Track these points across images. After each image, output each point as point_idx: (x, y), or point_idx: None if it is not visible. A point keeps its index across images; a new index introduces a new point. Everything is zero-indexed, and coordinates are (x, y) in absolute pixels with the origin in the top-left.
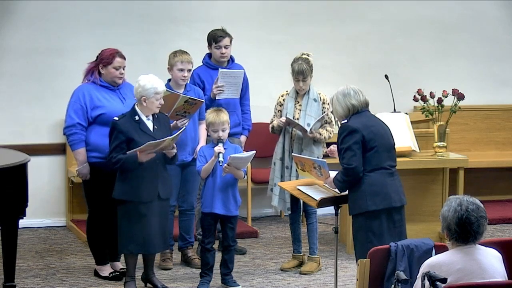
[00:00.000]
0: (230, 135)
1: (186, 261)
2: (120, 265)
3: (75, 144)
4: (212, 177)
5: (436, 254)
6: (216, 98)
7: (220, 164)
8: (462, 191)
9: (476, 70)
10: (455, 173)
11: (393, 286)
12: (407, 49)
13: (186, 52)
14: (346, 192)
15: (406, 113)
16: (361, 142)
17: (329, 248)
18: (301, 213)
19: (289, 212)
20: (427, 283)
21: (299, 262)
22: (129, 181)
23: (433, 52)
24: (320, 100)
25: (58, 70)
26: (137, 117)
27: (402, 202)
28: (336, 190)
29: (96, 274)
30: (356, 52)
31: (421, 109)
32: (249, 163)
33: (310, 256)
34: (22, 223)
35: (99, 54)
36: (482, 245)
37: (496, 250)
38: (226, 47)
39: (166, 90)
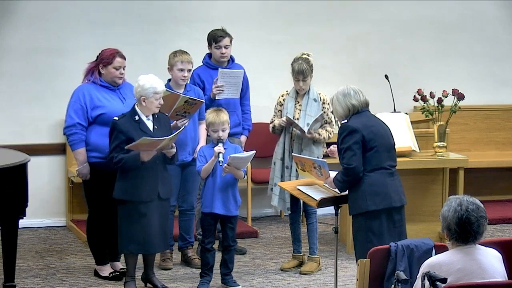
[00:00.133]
0: (230, 135)
1: (186, 261)
2: (120, 265)
3: (75, 144)
4: (212, 177)
5: (436, 254)
6: (216, 98)
7: (220, 164)
8: (462, 191)
9: (476, 70)
10: (455, 173)
11: (393, 286)
12: (407, 49)
13: (186, 52)
14: (346, 192)
15: (406, 113)
16: (361, 142)
17: (329, 248)
18: (301, 213)
19: (289, 212)
20: (427, 283)
21: (299, 262)
22: (129, 181)
23: (433, 52)
24: (320, 100)
25: (58, 70)
26: (137, 117)
27: (402, 202)
28: (336, 190)
29: (96, 274)
30: (356, 52)
31: (421, 109)
32: (249, 163)
33: (310, 256)
34: (22, 223)
35: (99, 54)
36: (482, 245)
37: (496, 250)
38: (226, 47)
39: (166, 90)
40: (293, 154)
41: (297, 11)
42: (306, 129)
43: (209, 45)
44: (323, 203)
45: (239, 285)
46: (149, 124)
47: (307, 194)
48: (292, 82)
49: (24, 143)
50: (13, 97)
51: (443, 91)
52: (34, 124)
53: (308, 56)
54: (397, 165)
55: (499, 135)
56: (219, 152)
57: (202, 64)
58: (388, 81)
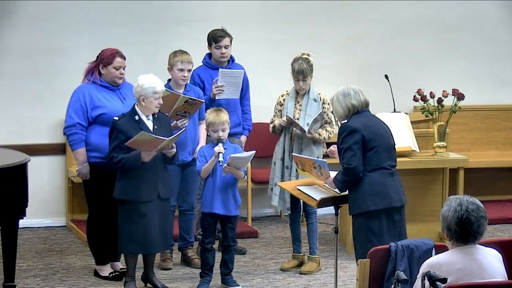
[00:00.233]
0: (230, 135)
1: (186, 261)
2: (120, 265)
3: (75, 144)
4: (212, 177)
5: (436, 254)
6: (216, 98)
7: (220, 164)
8: (462, 191)
9: (476, 70)
10: (455, 173)
11: (393, 286)
12: (407, 49)
13: (186, 52)
14: (346, 192)
15: (406, 113)
16: (361, 142)
17: (329, 248)
18: (301, 213)
19: (289, 212)
20: (427, 283)
21: (299, 262)
22: (130, 181)
23: (433, 52)
24: (320, 100)
25: (58, 70)
26: (137, 117)
27: (402, 202)
28: (336, 190)
29: (96, 274)
30: (356, 52)
31: (421, 109)
32: (249, 163)
33: (310, 256)
34: (22, 223)
35: (99, 54)
36: (482, 245)
37: (496, 250)
38: (226, 47)
39: (166, 90)
40: (293, 154)
41: (297, 11)
42: (306, 129)
43: (209, 45)
44: (323, 203)
45: (239, 285)
46: (149, 124)
47: (307, 194)
48: (292, 82)
49: (24, 143)
50: (13, 97)
51: (443, 91)
52: (34, 124)
53: (308, 56)
54: (397, 165)
55: (499, 135)
56: (219, 152)
57: (202, 64)
58: (388, 81)
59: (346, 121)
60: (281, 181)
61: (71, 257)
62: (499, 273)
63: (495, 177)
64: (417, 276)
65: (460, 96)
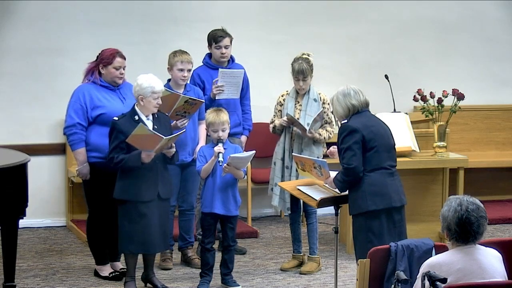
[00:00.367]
0: (230, 135)
1: (186, 261)
2: (120, 265)
3: (75, 144)
4: (212, 177)
5: (436, 254)
6: (216, 98)
7: (220, 164)
8: (462, 191)
9: (476, 70)
10: (455, 173)
11: (393, 286)
12: (407, 49)
13: (186, 52)
14: (346, 192)
15: (406, 113)
16: (361, 142)
17: (329, 248)
18: (301, 213)
19: (289, 212)
20: (427, 283)
21: (299, 262)
22: (130, 181)
23: (433, 52)
24: (320, 100)
25: (58, 70)
26: (136, 117)
27: (402, 202)
28: (336, 190)
29: (96, 274)
30: (356, 52)
31: (421, 109)
32: (249, 163)
33: (310, 256)
34: (22, 223)
35: (99, 54)
36: (482, 245)
37: (496, 250)
38: (226, 47)
39: (166, 90)
40: (293, 154)
41: (297, 11)
42: (307, 128)
43: (209, 45)
44: (323, 203)
45: (239, 285)
46: (149, 124)
47: (307, 194)
48: (292, 82)
49: (24, 143)
50: (13, 97)
51: (443, 91)
52: (34, 124)
53: (308, 56)
54: (397, 165)
55: (499, 135)
56: (219, 152)
57: (202, 64)
58: (388, 81)
59: (346, 121)
60: (281, 181)
61: (71, 257)
62: (499, 273)
63: (495, 177)
64: (417, 276)
65: (460, 96)
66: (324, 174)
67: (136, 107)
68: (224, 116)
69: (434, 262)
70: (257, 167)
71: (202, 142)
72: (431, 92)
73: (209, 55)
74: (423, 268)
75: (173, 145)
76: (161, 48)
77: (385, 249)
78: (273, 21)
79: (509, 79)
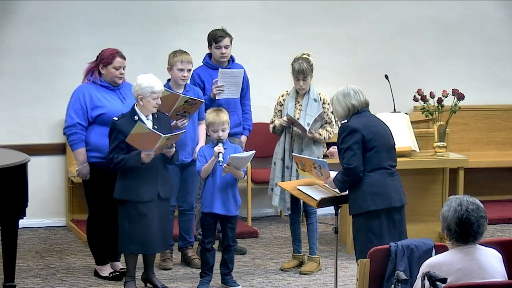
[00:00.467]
0: (230, 135)
1: (186, 261)
2: (120, 265)
3: (75, 144)
4: (212, 177)
5: (436, 254)
6: (216, 98)
7: (220, 164)
8: (462, 191)
9: (476, 70)
10: (455, 173)
11: (393, 286)
12: (407, 49)
13: (186, 52)
14: (346, 192)
15: (406, 113)
16: (361, 142)
17: (329, 248)
18: (301, 213)
19: (289, 212)
20: (427, 283)
21: (299, 262)
22: (130, 181)
23: (433, 52)
24: (320, 100)
25: (58, 70)
26: (136, 117)
27: (402, 202)
28: (336, 190)
29: (96, 274)
30: (356, 52)
31: (421, 109)
32: (249, 163)
33: (310, 256)
34: (22, 223)
35: (99, 54)
36: (482, 245)
37: (496, 250)
38: (226, 47)
39: (166, 90)
40: (293, 154)
41: (297, 11)
42: (306, 129)
43: (209, 45)
44: (323, 203)
45: (239, 285)
46: (149, 124)
47: (307, 194)
48: (292, 82)
49: (24, 143)
50: (13, 97)
51: (443, 91)
52: (34, 124)
53: (309, 56)
54: (397, 165)
55: (499, 135)
56: (219, 152)
57: (202, 64)
58: (388, 81)
59: (346, 121)
60: (282, 181)
61: (71, 257)
62: (499, 273)
63: (495, 177)
64: (417, 276)
65: (460, 96)
66: (324, 174)
67: (136, 107)
68: (224, 116)
69: (434, 262)
70: (257, 167)
71: (202, 142)
72: (431, 92)
73: (209, 55)
74: (423, 268)
75: (173, 144)
76: (161, 48)
77: (385, 249)
78: (273, 21)
79: (509, 79)
